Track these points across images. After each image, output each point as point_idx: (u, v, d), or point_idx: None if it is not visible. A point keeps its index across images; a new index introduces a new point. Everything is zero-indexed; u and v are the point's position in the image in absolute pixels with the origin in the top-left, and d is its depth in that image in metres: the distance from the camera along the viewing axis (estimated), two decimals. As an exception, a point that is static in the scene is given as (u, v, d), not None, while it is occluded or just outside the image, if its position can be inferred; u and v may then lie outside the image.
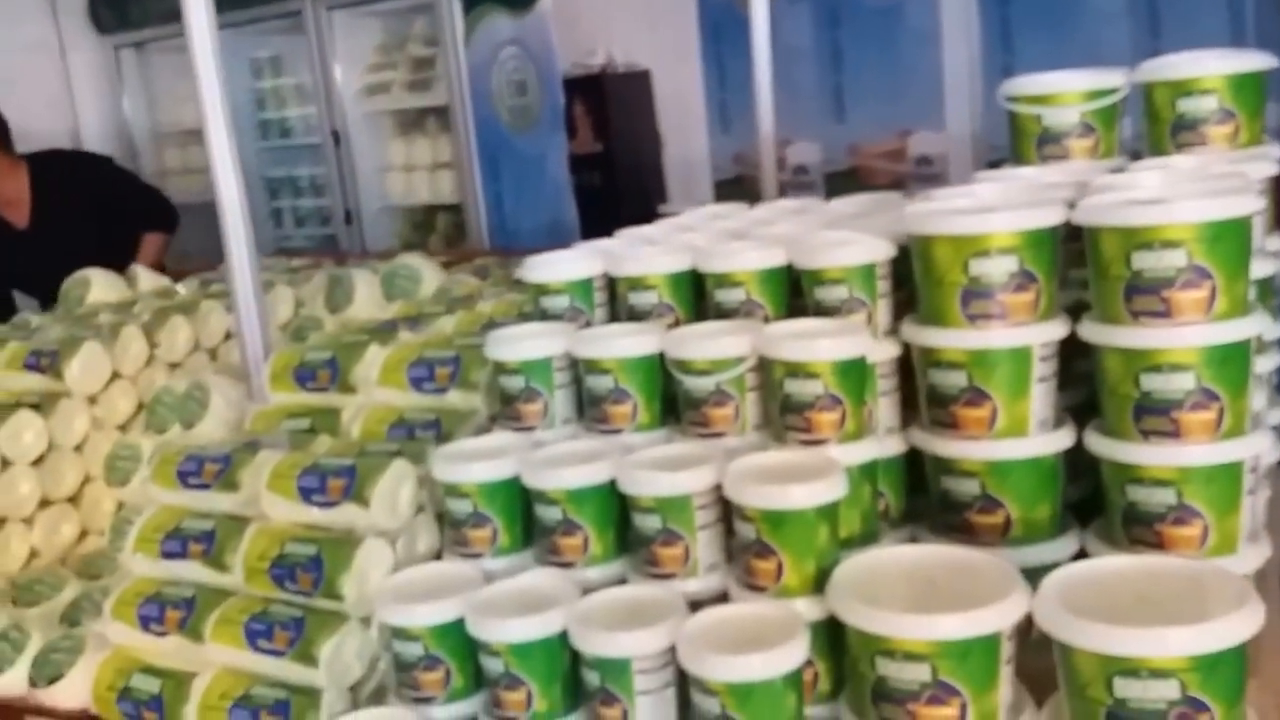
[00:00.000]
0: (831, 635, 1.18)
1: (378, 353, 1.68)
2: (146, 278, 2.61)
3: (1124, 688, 0.99)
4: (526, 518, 1.40)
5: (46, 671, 1.55)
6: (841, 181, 4.03)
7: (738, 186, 4.29)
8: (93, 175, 3.47)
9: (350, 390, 1.68)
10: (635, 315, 1.56)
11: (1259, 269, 1.29)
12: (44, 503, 1.96)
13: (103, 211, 3.22)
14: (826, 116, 4.14)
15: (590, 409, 1.47)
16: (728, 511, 1.26)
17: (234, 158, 1.74)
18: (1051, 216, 1.23)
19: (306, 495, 1.43)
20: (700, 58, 4.48)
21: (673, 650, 1.16)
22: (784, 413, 1.29)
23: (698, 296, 1.56)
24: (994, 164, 1.67)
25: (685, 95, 4.67)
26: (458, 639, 1.28)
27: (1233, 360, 1.17)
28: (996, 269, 1.22)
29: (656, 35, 4.67)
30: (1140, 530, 1.20)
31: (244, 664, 1.39)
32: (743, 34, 2.80)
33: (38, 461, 1.95)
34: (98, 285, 2.50)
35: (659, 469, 1.29)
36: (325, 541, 1.39)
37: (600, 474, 1.32)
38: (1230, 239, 1.15)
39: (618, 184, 4.78)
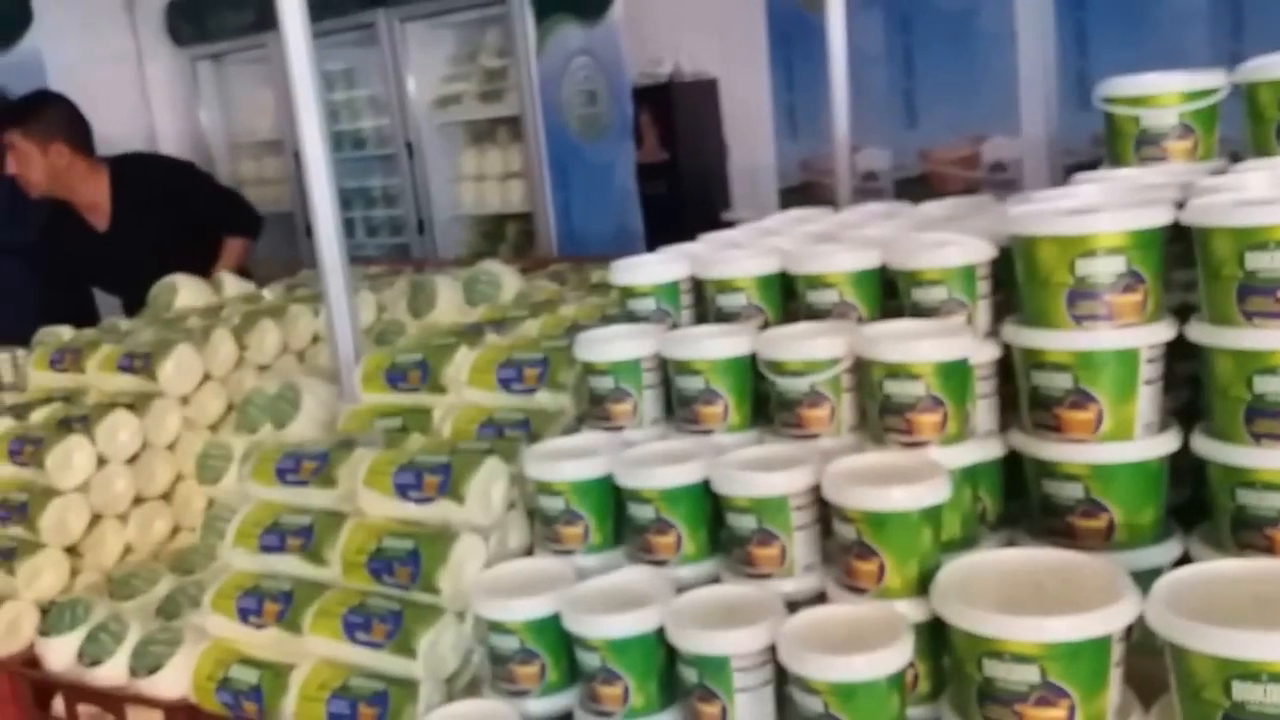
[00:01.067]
0: (933, 637, 1.17)
1: (466, 354, 1.70)
2: (232, 283, 2.67)
3: (1243, 691, 0.97)
4: (618, 516, 1.41)
5: (146, 662, 1.59)
6: (912, 188, 3.99)
7: (804, 194, 4.28)
8: (172, 178, 3.49)
9: (440, 390, 1.70)
10: (723, 317, 1.57)
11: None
12: (138, 500, 2.01)
13: (182, 214, 3.23)
14: (897, 122, 4.11)
15: (681, 409, 1.47)
16: (824, 513, 1.26)
17: (328, 164, 1.77)
18: (1160, 216, 1.21)
19: (403, 491, 1.45)
20: (768, 64, 4.48)
21: (772, 649, 1.16)
22: (883, 414, 1.28)
23: (785, 299, 1.56)
24: (1072, 169, 1.65)
25: (752, 102, 4.67)
26: (553, 633, 1.29)
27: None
28: (1104, 269, 1.20)
29: (724, 43, 4.67)
30: (1250, 535, 1.18)
31: (342, 655, 1.41)
32: (810, 39, 2.80)
33: (132, 460, 1.99)
34: (185, 290, 2.56)
35: (755, 469, 1.29)
36: (421, 536, 1.41)
37: (694, 474, 1.33)
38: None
39: (683, 192, 4.79)
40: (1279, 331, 1.14)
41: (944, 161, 4.03)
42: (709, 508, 1.35)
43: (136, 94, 5.94)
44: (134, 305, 2.74)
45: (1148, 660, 1.08)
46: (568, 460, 1.41)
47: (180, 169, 3.70)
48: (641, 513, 1.36)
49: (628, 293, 1.66)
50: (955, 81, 3.92)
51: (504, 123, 4.93)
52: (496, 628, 1.33)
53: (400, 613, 1.38)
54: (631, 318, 1.66)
